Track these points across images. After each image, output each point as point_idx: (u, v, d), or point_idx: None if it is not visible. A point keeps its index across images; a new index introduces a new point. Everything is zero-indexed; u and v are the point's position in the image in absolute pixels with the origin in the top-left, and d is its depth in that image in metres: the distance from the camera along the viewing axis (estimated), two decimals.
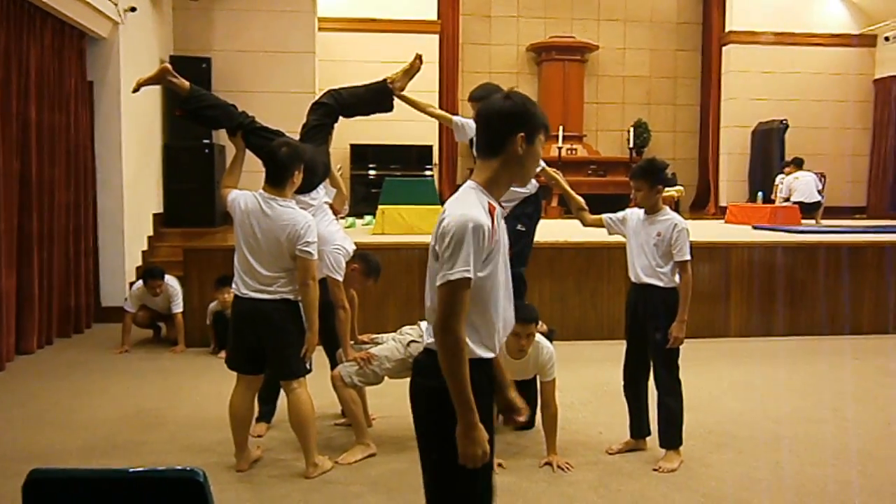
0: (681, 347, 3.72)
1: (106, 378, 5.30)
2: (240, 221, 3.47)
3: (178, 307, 6.16)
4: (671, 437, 3.74)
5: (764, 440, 4.09)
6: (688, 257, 3.67)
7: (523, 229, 4.14)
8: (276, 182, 3.46)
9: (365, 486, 3.45)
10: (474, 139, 2.06)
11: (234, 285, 3.54)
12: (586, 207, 4.00)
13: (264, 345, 3.48)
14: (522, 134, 1.90)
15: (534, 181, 4.16)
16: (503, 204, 4.17)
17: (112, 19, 7.19)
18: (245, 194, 3.52)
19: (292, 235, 3.39)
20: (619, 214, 3.92)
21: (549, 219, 9.07)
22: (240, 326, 3.53)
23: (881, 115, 12.69)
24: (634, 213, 3.83)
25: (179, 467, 1.55)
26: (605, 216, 3.95)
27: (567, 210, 4.25)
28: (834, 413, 4.60)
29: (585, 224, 4.03)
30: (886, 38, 12.43)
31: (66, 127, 6.70)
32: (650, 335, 3.74)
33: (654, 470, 3.64)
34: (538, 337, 3.68)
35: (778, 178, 10.69)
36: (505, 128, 1.90)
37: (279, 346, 3.47)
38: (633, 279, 3.81)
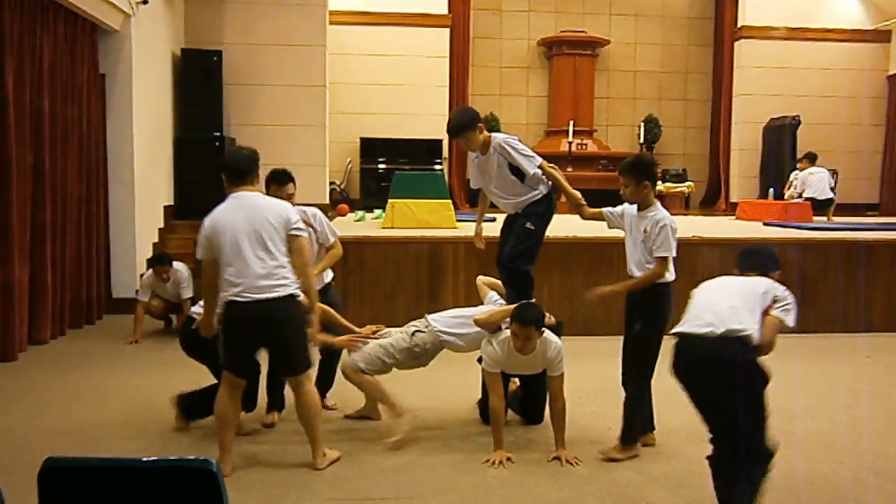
0: (659, 347, 3.67)
1: (117, 369, 5.33)
2: (220, 228, 3.39)
3: (187, 292, 6.22)
4: (623, 431, 3.73)
5: (775, 437, 4.06)
6: (665, 253, 3.62)
7: (532, 227, 4.15)
8: (242, 179, 3.52)
9: (374, 478, 3.46)
10: None
11: (228, 291, 3.35)
12: (584, 202, 4.04)
13: (268, 346, 3.47)
14: None
15: (547, 182, 4.18)
16: (515, 202, 4.19)
17: (124, 11, 7.21)
18: (209, 217, 3.48)
19: (282, 215, 3.44)
20: (619, 209, 3.94)
21: (559, 213, 9.02)
22: (242, 331, 3.40)
23: (895, 112, 12.57)
24: (630, 209, 3.86)
25: (192, 457, 1.56)
26: (605, 210, 3.98)
27: None
28: (846, 411, 4.58)
29: (585, 217, 4.08)
30: None
31: (79, 119, 6.73)
32: (632, 326, 3.76)
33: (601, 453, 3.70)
34: (546, 332, 3.69)
35: (793, 175, 10.59)
36: None
37: (285, 344, 3.45)
38: (629, 273, 3.82)
